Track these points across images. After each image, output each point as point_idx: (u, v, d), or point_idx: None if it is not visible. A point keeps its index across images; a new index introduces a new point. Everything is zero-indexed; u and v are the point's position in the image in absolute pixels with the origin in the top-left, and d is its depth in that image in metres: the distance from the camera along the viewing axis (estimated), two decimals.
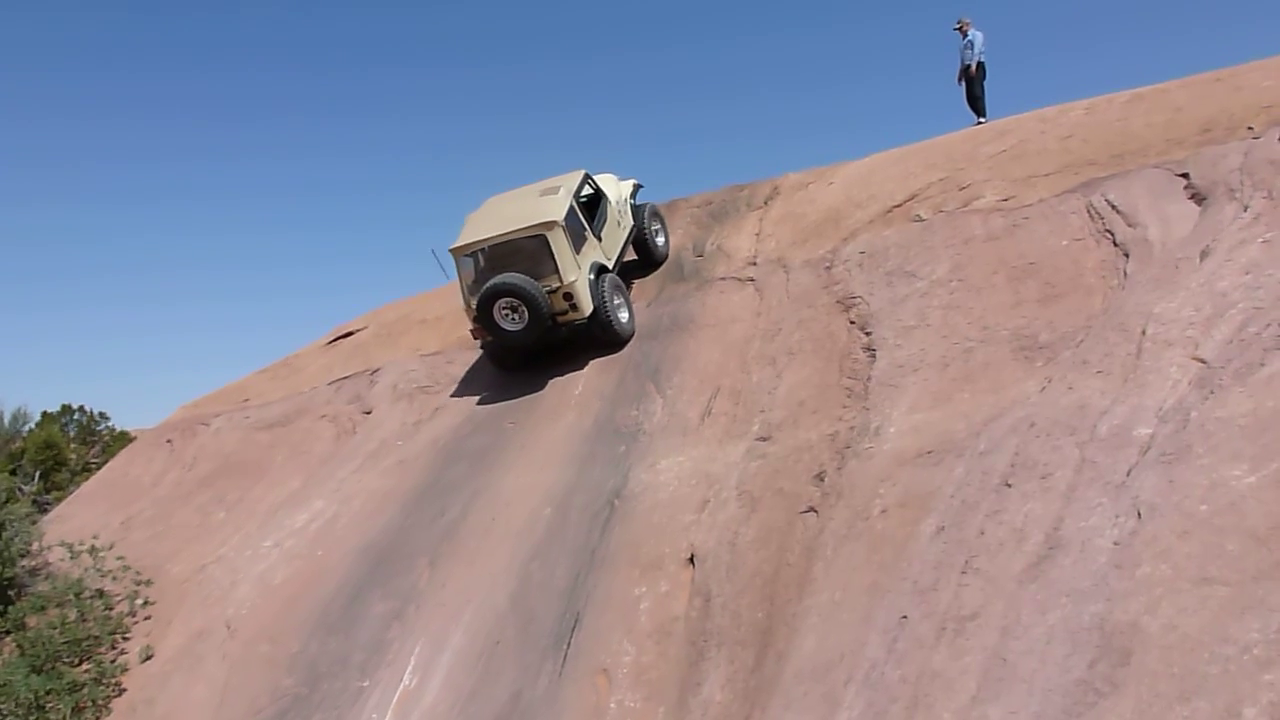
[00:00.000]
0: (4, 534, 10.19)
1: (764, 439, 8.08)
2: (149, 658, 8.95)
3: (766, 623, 6.28)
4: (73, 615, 9.28)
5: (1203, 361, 6.06)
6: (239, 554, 9.93)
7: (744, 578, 6.75)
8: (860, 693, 5.19)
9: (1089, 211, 8.75)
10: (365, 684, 7.47)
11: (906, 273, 9.29)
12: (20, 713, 8.26)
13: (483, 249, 11.01)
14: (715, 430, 8.63)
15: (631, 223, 12.38)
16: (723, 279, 11.34)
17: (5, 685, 8.38)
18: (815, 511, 6.88)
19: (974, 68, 14.04)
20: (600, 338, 10.89)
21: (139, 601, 9.65)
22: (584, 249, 10.86)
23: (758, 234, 12.11)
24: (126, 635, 9.34)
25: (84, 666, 8.90)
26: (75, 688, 8.53)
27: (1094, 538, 5.15)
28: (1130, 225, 8.24)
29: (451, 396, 11.48)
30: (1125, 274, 7.66)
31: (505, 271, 10.58)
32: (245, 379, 15.29)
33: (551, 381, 10.77)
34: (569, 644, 7.00)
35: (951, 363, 7.70)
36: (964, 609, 5.24)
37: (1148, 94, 10.97)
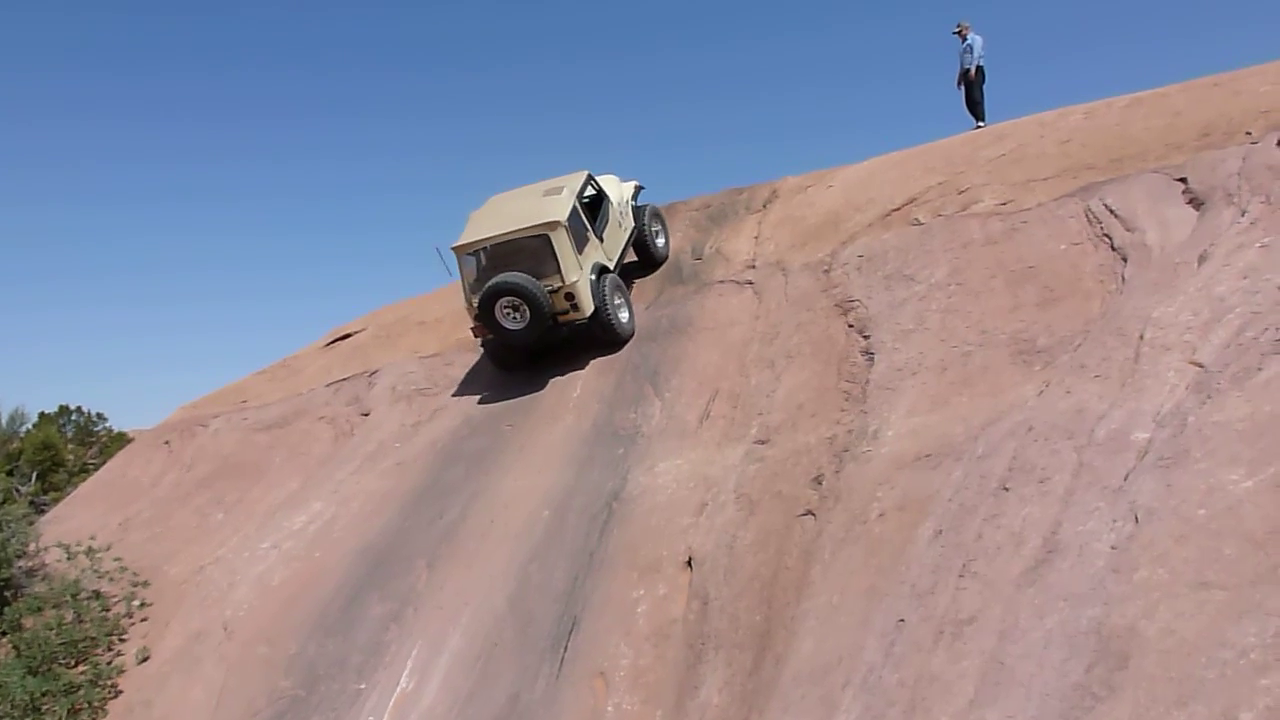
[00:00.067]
0: (1, 535, 10.18)
1: (762, 442, 8.08)
2: (146, 659, 8.95)
3: (764, 626, 6.29)
4: (69, 616, 9.28)
5: (1200, 366, 6.07)
6: (237, 555, 9.92)
7: (742, 581, 6.75)
8: (858, 696, 5.19)
9: (1087, 216, 8.76)
10: (363, 686, 7.46)
11: (905, 276, 9.30)
12: (16, 714, 8.25)
13: (485, 247, 11.05)
14: (713, 433, 8.63)
15: (633, 224, 12.41)
16: (721, 282, 11.35)
17: (1, 687, 8.38)
18: (813, 515, 6.88)
19: (973, 72, 14.06)
20: (601, 338, 10.92)
21: (136, 603, 9.64)
22: (586, 249, 10.89)
23: (756, 237, 12.12)
24: (123, 637, 9.33)
25: (80, 668, 8.89)
26: (71, 689, 8.52)
27: (1091, 542, 5.15)
28: (1128, 230, 8.25)
29: (450, 398, 11.48)
30: (1123, 278, 7.67)
31: (507, 270, 10.61)
32: (244, 380, 15.29)
33: (550, 384, 10.77)
34: (567, 646, 7.00)
35: (950, 366, 7.70)
36: (962, 612, 5.24)
37: (1147, 98, 10.99)
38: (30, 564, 10.44)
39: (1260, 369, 5.74)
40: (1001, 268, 8.67)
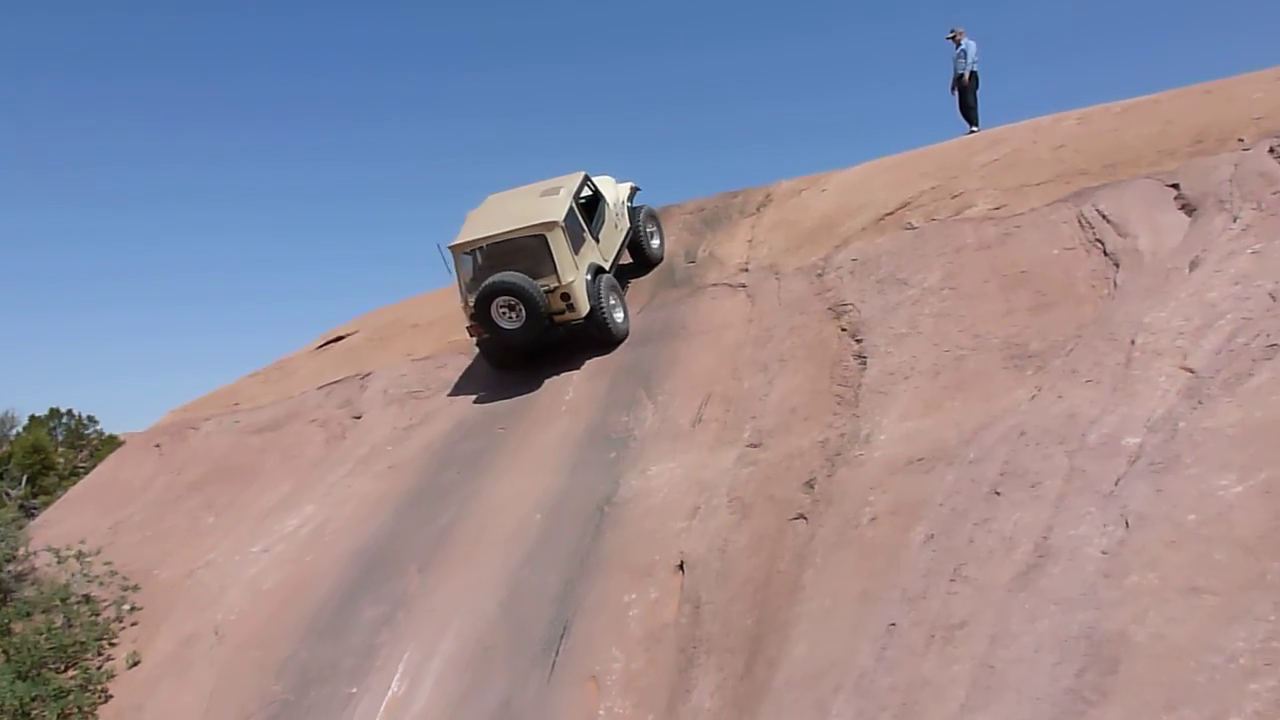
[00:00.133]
0: None
1: (755, 446, 8.08)
2: (136, 664, 8.90)
3: (757, 630, 6.28)
4: (59, 621, 9.22)
5: (1192, 371, 6.09)
6: (228, 559, 9.89)
7: (734, 585, 6.75)
8: (850, 700, 5.19)
9: (1080, 221, 8.79)
10: (354, 690, 7.44)
11: (898, 280, 9.31)
12: None
13: (482, 247, 11.10)
14: (706, 437, 8.63)
15: (628, 225, 12.46)
16: (715, 285, 11.36)
17: None
18: (806, 519, 6.88)
19: (967, 77, 14.10)
20: (596, 337, 10.96)
21: (126, 607, 9.59)
22: (582, 250, 10.94)
23: (750, 241, 12.14)
24: (114, 641, 9.28)
25: (70, 673, 8.84)
26: (61, 694, 8.47)
27: (1083, 547, 5.16)
28: (1121, 235, 8.28)
29: (443, 401, 11.47)
30: (1116, 283, 7.69)
31: (504, 270, 10.64)
32: (236, 383, 15.24)
33: (543, 387, 10.77)
34: (559, 650, 6.98)
35: (942, 371, 7.72)
36: (953, 617, 5.24)
37: (1140, 105, 11.04)
38: (20, 568, 10.38)
39: (1251, 375, 5.76)
40: (995, 272, 8.69)
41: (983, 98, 14.13)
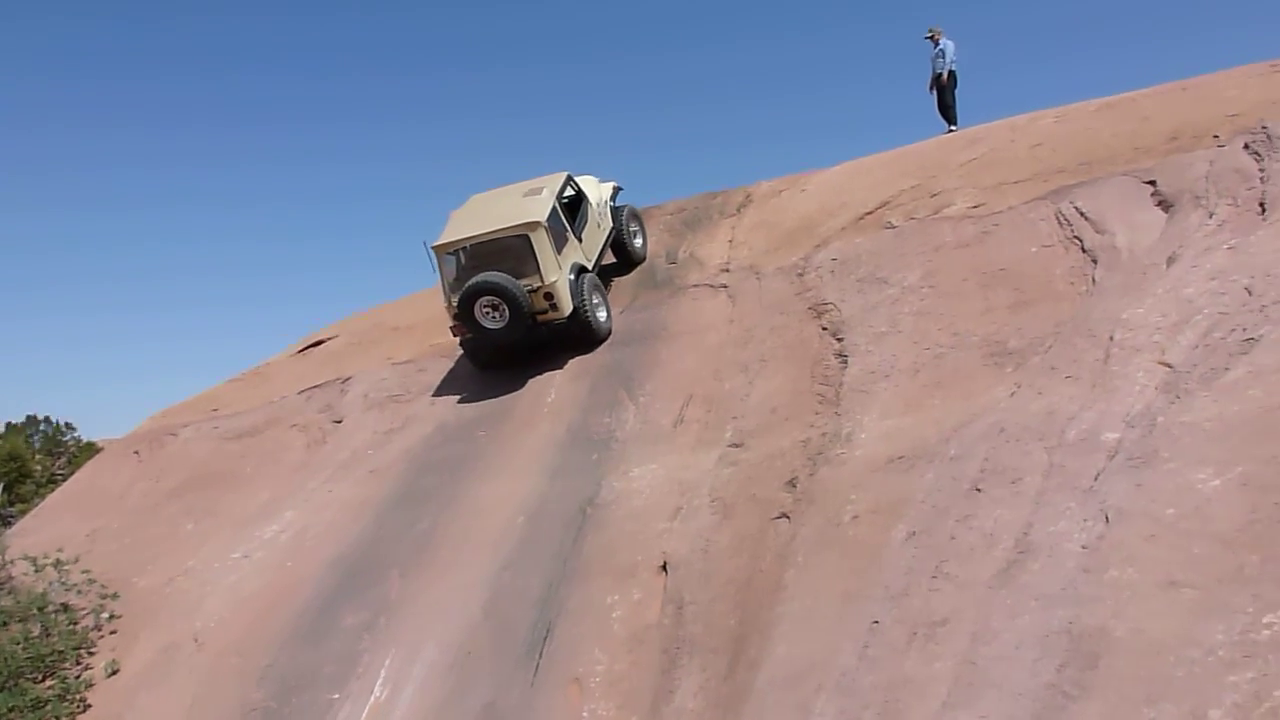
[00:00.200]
0: None
1: (737, 446, 8.08)
2: (115, 673, 8.80)
3: (739, 630, 6.27)
4: (36, 630, 9.11)
5: (1169, 367, 6.12)
6: (208, 566, 9.79)
7: (717, 585, 6.73)
8: (832, 699, 5.18)
9: (1058, 219, 8.83)
10: (336, 696, 7.37)
11: (878, 279, 9.34)
12: None
13: (465, 247, 11.11)
14: (688, 437, 8.62)
15: (611, 224, 12.49)
16: (696, 286, 11.37)
17: None
18: (788, 518, 6.88)
19: (945, 76, 14.19)
20: (579, 336, 10.97)
21: (105, 615, 9.48)
22: (565, 249, 10.96)
23: (731, 241, 12.15)
24: (92, 650, 9.17)
25: (48, 683, 8.72)
26: (39, 704, 8.36)
27: (1063, 542, 5.17)
28: (1099, 232, 8.33)
29: (424, 405, 11.40)
30: (1094, 280, 7.74)
31: (487, 270, 10.65)
32: (215, 388, 15.11)
33: (525, 389, 10.74)
34: (542, 653, 6.95)
35: (922, 369, 7.73)
36: (935, 614, 5.24)
37: (1117, 103, 11.12)
38: None
39: (1228, 369, 5.80)
40: (974, 270, 8.72)
41: (961, 97, 14.25)
